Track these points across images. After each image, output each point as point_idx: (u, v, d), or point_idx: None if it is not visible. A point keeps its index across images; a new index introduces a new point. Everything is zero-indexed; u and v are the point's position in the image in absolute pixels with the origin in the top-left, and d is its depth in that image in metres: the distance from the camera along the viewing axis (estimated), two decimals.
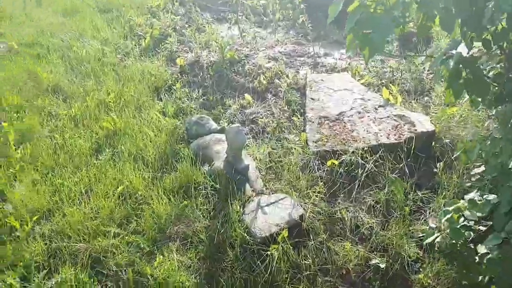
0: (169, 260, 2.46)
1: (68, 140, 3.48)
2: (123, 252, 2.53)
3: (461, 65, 1.84)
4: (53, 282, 2.31)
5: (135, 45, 5.24)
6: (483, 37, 1.89)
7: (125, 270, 2.43)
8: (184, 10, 6.44)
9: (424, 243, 2.49)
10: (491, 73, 2.20)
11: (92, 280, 2.38)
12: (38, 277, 2.36)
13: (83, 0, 6.64)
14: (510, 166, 2.03)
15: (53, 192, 2.97)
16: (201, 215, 2.75)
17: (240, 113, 4.05)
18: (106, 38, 5.37)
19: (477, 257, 2.14)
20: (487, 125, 3.39)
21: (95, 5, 6.51)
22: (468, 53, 1.91)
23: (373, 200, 2.88)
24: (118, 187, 2.96)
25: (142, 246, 2.56)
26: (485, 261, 2.00)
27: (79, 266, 2.43)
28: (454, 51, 1.87)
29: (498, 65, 1.99)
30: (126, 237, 2.63)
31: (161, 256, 2.47)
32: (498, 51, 2.01)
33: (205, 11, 6.61)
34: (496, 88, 2.11)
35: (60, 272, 2.36)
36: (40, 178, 3.10)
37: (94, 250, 2.53)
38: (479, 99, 2.27)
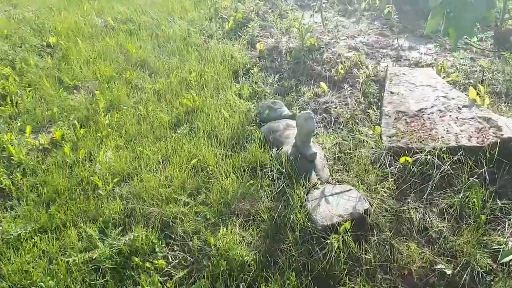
0: (232, 234, 2.56)
1: (151, 112, 3.74)
2: (191, 220, 2.69)
3: None
4: (127, 239, 2.52)
5: (219, 28, 5.42)
6: None
7: (191, 237, 2.59)
8: None
9: (501, 261, 2.32)
10: None
11: (160, 242, 2.56)
12: (114, 232, 2.59)
13: None
14: None
15: (134, 158, 3.22)
16: (265, 196, 2.82)
17: (313, 101, 4.03)
18: (193, 19, 5.61)
19: None
20: None
21: None
22: None
23: (446, 204, 2.74)
24: (191, 160, 3.12)
25: (208, 217, 2.70)
26: None
27: (150, 228, 2.63)
28: None
29: None
30: (195, 207, 2.78)
31: (225, 229, 2.58)
32: None
33: None
34: None
35: (133, 230, 2.57)
36: (123, 144, 3.37)
37: (165, 215, 2.72)
38: None
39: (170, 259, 2.51)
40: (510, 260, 2.38)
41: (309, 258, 2.46)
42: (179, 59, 4.64)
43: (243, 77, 4.36)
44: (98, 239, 2.55)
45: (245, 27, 5.32)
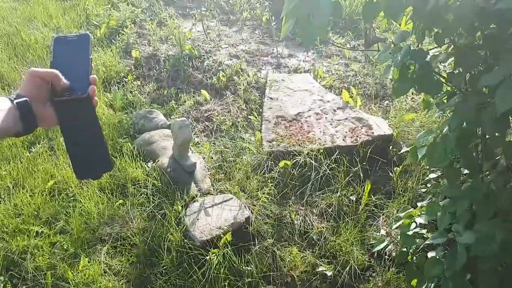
0: (95, 264, 2.20)
1: None
2: (45, 253, 2.26)
3: (409, 58, 1.70)
4: None
5: None
6: (435, 31, 1.77)
7: (44, 274, 2.16)
8: (147, 3, 6.16)
9: (374, 250, 2.34)
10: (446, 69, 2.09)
11: (3, 284, 2.09)
12: None
13: None
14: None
15: None
16: (138, 216, 2.51)
17: (195, 109, 3.83)
18: (59, 26, 5.03)
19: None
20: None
21: None
22: (418, 46, 1.79)
23: (325, 204, 2.73)
24: (48, 182, 2.67)
25: (66, 247, 2.29)
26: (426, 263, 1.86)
27: None
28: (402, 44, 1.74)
29: (450, 59, 1.86)
30: (50, 238, 2.35)
31: (87, 259, 2.20)
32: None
33: (169, 6, 6.35)
34: (449, 87, 1.99)
35: None
36: None
37: (11, 251, 2.24)
38: (431, 100, 2.16)
39: None
40: (384, 252, 2.43)
41: (187, 279, 2.21)
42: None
43: (116, 86, 3.98)
44: None
45: (120, 35, 4.93)
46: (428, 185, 2.85)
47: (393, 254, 2.38)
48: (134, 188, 2.70)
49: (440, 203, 2.02)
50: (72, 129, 0.91)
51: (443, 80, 1.88)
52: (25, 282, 2.17)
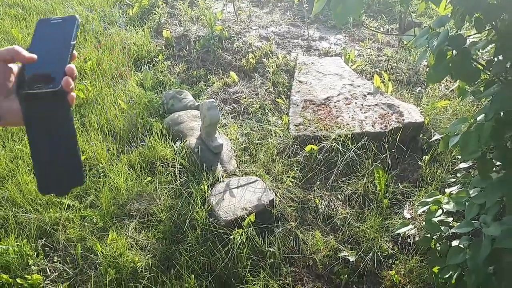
0: (123, 238, 2.28)
1: None
2: (75, 226, 2.35)
3: (447, 44, 1.63)
4: None
5: (122, 14, 5.00)
6: (475, 16, 1.68)
7: (74, 246, 2.25)
8: None
9: (397, 232, 2.31)
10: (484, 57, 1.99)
11: (36, 253, 2.20)
12: None
13: None
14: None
15: (12, 159, 2.77)
16: (165, 193, 2.57)
17: (223, 91, 3.84)
18: (93, 4, 5.12)
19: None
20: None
21: None
22: (456, 32, 1.71)
23: (350, 190, 2.70)
24: None
25: (95, 221, 2.38)
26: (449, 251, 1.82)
27: (25, 238, 2.25)
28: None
29: (490, 46, 1.77)
30: (81, 211, 2.44)
31: (115, 233, 2.28)
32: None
33: None
34: (487, 75, 1.90)
35: (3, 242, 2.17)
36: (0, 144, 2.90)
37: (44, 222, 2.35)
38: (467, 88, 2.07)
39: (49, 272, 2.16)
40: (407, 237, 2.40)
41: (211, 257, 2.26)
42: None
43: (147, 66, 4.03)
44: None
45: (151, 14, 4.97)
46: (458, 174, 2.78)
47: (417, 239, 2.35)
48: (162, 166, 2.75)
49: (470, 192, 1.97)
50: (39, 130, 0.73)
51: (481, 68, 1.80)
52: (56, 252, 2.27)
